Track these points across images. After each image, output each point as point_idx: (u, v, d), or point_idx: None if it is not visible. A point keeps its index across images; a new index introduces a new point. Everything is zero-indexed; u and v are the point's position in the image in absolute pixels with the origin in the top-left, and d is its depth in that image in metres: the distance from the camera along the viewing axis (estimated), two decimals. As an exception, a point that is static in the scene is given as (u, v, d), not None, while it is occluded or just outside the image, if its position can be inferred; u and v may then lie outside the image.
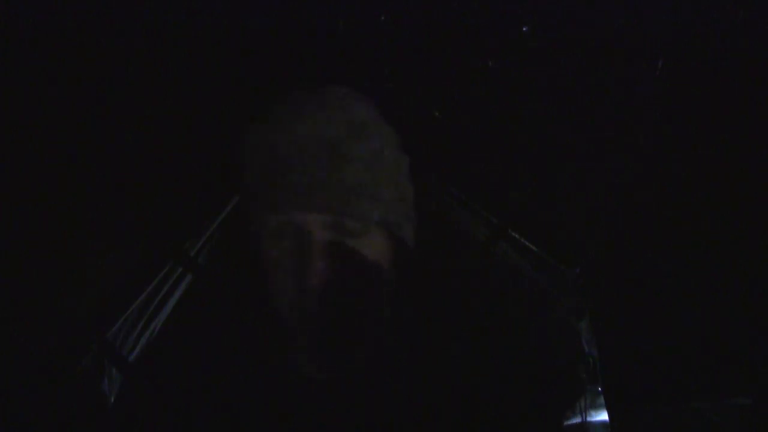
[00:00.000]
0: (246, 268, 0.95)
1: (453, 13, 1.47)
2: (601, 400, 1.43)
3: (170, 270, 1.45)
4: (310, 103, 0.83)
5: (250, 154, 0.83)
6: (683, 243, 1.49)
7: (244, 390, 0.83)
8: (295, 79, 1.44)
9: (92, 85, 1.45)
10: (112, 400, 1.38)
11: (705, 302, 1.46)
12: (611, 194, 1.51)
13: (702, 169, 1.48)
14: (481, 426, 0.82)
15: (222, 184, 1.48)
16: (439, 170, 1.42)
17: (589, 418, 1.42)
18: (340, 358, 0.79)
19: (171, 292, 1.44)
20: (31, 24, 1.42)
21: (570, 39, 1.46)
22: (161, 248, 1.46)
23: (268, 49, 1.47)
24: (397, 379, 0.83)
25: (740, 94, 1.44)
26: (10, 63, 1.42)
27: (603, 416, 1.42)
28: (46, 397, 1.34)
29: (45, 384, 1.36)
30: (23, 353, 1.36)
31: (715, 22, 1.41)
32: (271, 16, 1.46)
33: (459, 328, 0.89)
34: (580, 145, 1.50)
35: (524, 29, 1.45)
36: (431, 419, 0.81)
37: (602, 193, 1.51)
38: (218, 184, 1.48)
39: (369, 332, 0.81)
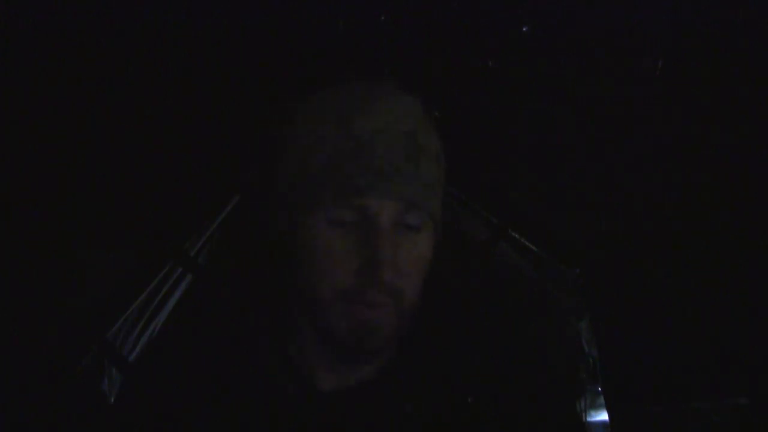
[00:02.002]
0: (246, 269, 0.95)
1: (453, 13, 1.47)
2: (601, 400, 1.43)
3: (170, 270, 1.45)
4: (383, 90, 0.82)
5: (319, 131, 0.79)
6: (683, 243, 1.49)
7: (244, 391, 0.83)
8: (295, 79, 1.44)
9: (92, 85, 1.45)
10: (112, 400, 1.38)
11: (705, 303, 1.46)
12: (611, 194, 1.51)
13: (701, 169, 1.48)
14: (480, 426, 0.82)
15: (223, 184, 1.48)
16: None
17: (589, 418, 1.42)
18: (376, 351, 0.78)
19: (171, 292, 1.44)
20: (31, 24, 1.42)
21: (570, 39, 1.46)
22: (161, 248, 1.46)
23: (269, 49, 1.47)
24: (399, 385, 0.83)
25: (740, 94, 1.44)
26: (10, 63, 1.42)
27: (603, 416, 1.42)
28: (46, 397, 1.34)
29: (45, 384, 1.36)
30: (23, 353, 1.36)
31: (715, 22, 1.41)
32: (271, 16, 1.46)
33: (458, 328, 0.88)
34: (580, 145, 1.50)
35: (524, 29, 1.45)
36: (431, 420, 0.81)
37: (602, 193, 1.51)
38: (219, 184, 1.48)
39: (409, 321, 0.80)
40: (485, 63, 1.48)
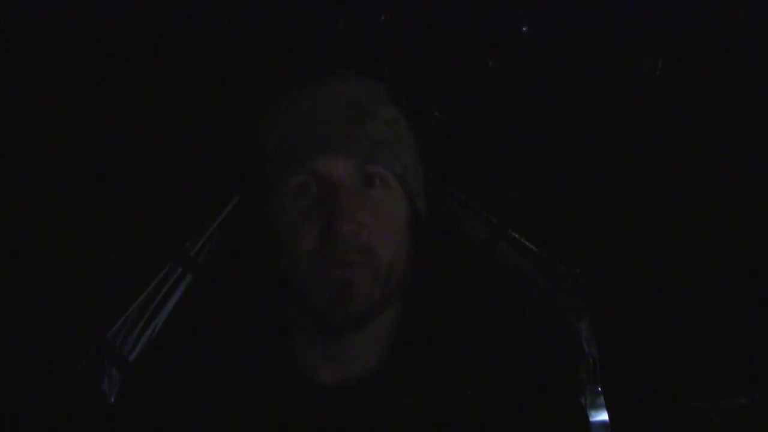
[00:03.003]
0: (246, 268, 0.95)
1: (453, 13, 1.47)
2: (601, 400, 1.43)
3: (170, 270, 1.45)
4: (330, 76, 0.88)
5: (273, 119, 0.86)
6: (683, 243, 1.49)
7: (245, 389, 0.83)
8: (295, 79, 1.44)
9: (92, 85, 1.45)
10: (112, 400, 1.38)
11: (705, 302, 1.46)
12: (611, 194, 1.51)
13: (702, 168, 1.48)
14: (480, 427, 0.82)
15: (222, 184, 1.48)
16: (439, 170, 1.42)
17: (589, 418, 1.42)
18: (357, 317, 0.79)
19: (171, 292, 1.44)
20: (31, 24, 1.42)
21: (570, 39, 1.46)
22: (161, 248, 1.46)
23: (269, 48, 1.47)
24: (398, 380, 0.83)
25: (740, 94, 1.44)
26: (10, 63, 1.42)
27: (603, 416, 1.42)
28: (46, 397, 1.34)
29: (45, 384, 1.36)
30: (23, 353, 1.36)
31: (715, 22, 1.41)
32: (271, 15, 1.46)
33: (458, 328, 0.88)
34: (580, 145, 1.50)
35: (524, 29, 1.45)
36: (431, 415, 0.81)
37: (602, 194, 1.51)
38: (218, 184, 1.48)
39: (390, 289, 0.81)
40: (485, 63, 1.49)
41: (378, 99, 0.86)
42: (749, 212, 1.46)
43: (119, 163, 1.46)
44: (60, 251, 1.42)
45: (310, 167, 0.80)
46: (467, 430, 0.82)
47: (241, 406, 0.82)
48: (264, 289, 0.89)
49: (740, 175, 1.47)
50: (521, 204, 1.52)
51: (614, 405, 1.43)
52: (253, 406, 0.82)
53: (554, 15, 1.45)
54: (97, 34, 1.44)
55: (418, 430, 0.81)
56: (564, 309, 1.47)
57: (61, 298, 1.41)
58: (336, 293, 0.77)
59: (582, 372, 1.44)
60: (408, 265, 0.83)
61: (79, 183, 1.45)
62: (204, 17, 1.46)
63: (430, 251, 0.87)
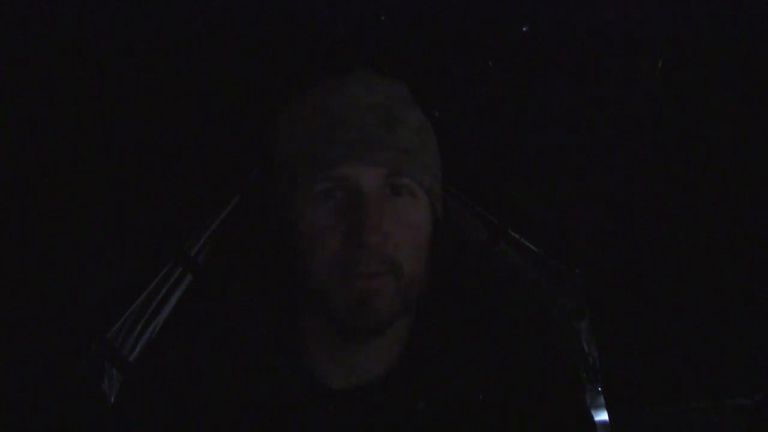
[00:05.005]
0: (253, 269, 0.95)
1: (453, 13, 1.47)
2: (601, 400, 1.43)
3: (170, 270, 1.45)
4: (355, 75, 0.85)
5: (292, 118, 0.83)
6: (683, 243, 1.49)
7: (250, 390, 0.83)
8: (295, 79, 1.44)
9: (92, 85, 1.45)
10: (112, 400, 1.38)
11: (705, 303, 1.46)
12: (611, 195, 1.51)
13: (701, 168, 1.48)
14: (480, 427, 0.82)
15: (222, 184, 1.48)
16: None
17: (594, 419, 1.42)
18: (377, 326, 0.78)
19: (171, 292, 1.44)
20: (31, 24, 1.42)
21: (570, 39, 1.46)
22: (161, 248, 1.46)
23: (269, 49, 1.47)
24: (409, 385, 0.83)
25: (740, 94, 1.44)
26: (10, 63, 1.42)
27: (603, 416, 1.42)
28: (46, 397, 1.34)
29: (45, 384, 1.36)
30: (23, 353, 1.36)
31: (715, 22, 1.41)
32: (271, 16, 1.46)
33: (463, 330, 0.88)
34: (580, 145, 1.50)
35: (524, 29, 1.45)
36: (441, 418, 0.81)
37: (602, 194, 1.51)
38: (218, 184, 1.48)
39: (410, 298, 0.80)
40: (485, 63, 1.48)
41: (407, 103, 0.84)
42: (749, 212, 1.46)
43: (120, 162, 1.46)
44: (60, 251, 1.42)
45: (336, 174, 0.78)
46: (467, 430, 0.82)
47: (246, 407, 0.82)
48: (273, 291, 0.88)
49: (740, 175, 1.47)
50: (521, 204, 1.52)
51: (614, 405, 1.43)
52: (259, 408, 0.81)
53: (554, 15, 1.45)
54: (98, 31, 1.44)
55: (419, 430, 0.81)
56: (564, 309, 1.47)
57: (61, 298, 1.41)
58: (358, 303, 0.76)
59: (582, 372, 1.44)
60: (427, 273, 0.82)
61: (80, 183, 1.45)
62: (205, 17, 1.46)
63: (442, 255, 0.86)
